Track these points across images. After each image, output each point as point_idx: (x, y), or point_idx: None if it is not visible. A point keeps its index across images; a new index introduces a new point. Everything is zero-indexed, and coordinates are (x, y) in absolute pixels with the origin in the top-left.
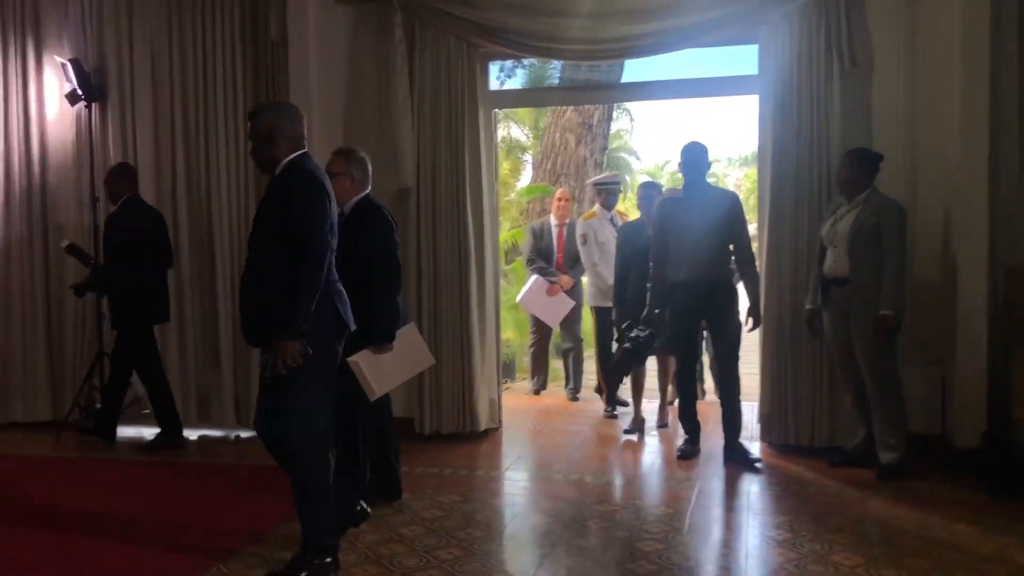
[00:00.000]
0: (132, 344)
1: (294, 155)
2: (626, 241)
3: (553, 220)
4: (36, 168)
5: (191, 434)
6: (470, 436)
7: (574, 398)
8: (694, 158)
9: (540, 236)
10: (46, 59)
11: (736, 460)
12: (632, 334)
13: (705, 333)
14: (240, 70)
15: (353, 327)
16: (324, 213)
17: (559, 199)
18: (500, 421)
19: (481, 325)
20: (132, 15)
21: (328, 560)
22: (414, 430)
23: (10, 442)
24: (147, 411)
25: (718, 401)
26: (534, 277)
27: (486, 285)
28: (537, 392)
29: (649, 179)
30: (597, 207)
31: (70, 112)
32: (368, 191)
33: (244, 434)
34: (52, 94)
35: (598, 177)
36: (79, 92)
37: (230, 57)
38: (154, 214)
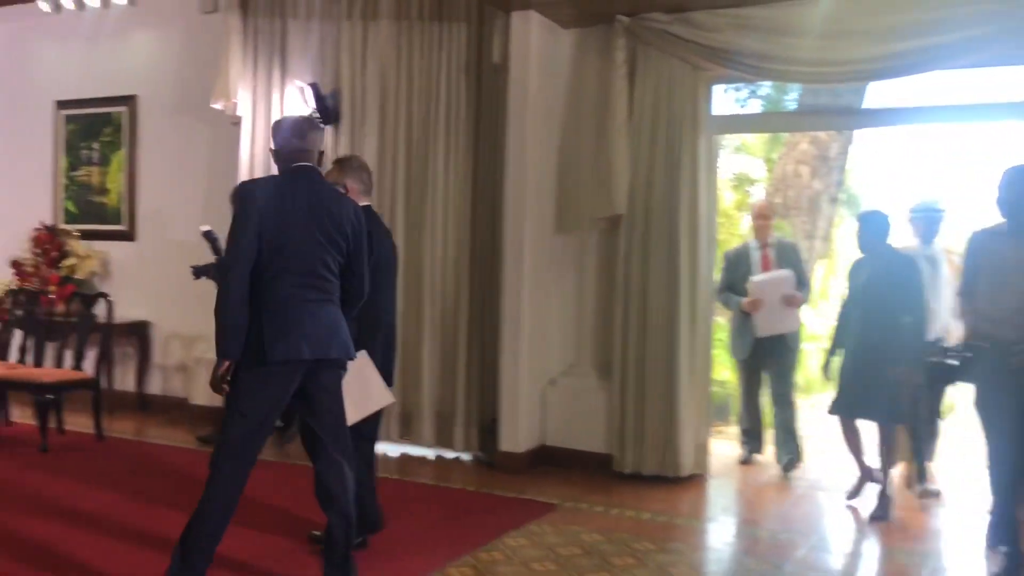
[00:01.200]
0: None
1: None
2: (849, 277)
3: (753, 243)
4: None
5: (392, 451)
6: (672, 480)
7: (788, 468)
8: (1018, 185)
9: (736, 264)
10: (288, 83)
11: None
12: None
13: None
14: (463, 93)
15: (294, 356)
16: (238, 225)
17: (758, 217)
18: (707, 467)
19: (690, 363)
20: (367, 42)
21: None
22: (612, 468)
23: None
24: None
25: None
26: (786, 271)
27: (697, 320)
28: (746, 461)
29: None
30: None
31: None
32: (368, 203)
33: (447, 454)
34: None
35: (914, 204)
36: (316, 115)
37: (454, 81)
38: None
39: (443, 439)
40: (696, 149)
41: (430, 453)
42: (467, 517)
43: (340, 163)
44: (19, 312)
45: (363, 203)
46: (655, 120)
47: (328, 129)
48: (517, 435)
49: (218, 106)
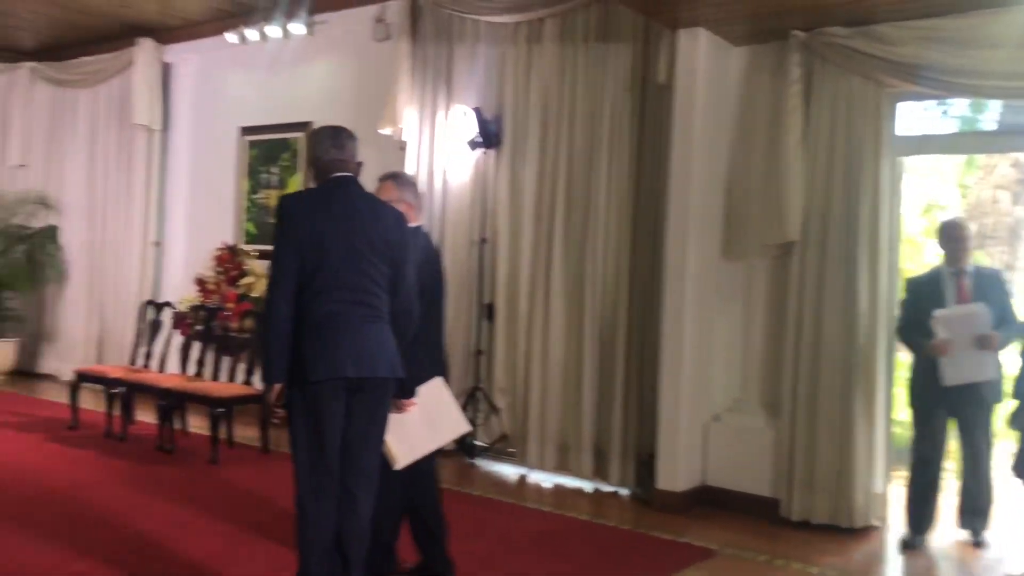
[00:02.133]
0: None
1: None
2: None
3: (946, 269)
4: (437, 209)
5: (546, 481)
6: (845, 531)
7: (977, 543)
8: None
9: (921, 294)
10: (452, 107)
11: None
12: None
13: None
14: (627, 114)
15: (337, 374)
16: (278, 242)
17: (949, 238)
18: (885, 519)
19: (866, 402)
20: (531, 66)
21: None
22: (779, 513)
23: None
24: (512, 450)
25: None
26: (978, 305)
27: (876, 356)
28: (908, 546)
29: None
30: None
31: (470, 157)
32: (420, 223)
33: (604, 488)
34: (456, 140)
35: None
36: (479, 139)
37: (618, 102)
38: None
39: (600, 472)
40: (878, 171)
41: (587, 485)
42: (620, 559)
43: (394, 178)
44: (199, 327)
45: (416, 223)
46: (832, 140)
47: (490, 153)
48: (676, 473)
49: (386, 131)
